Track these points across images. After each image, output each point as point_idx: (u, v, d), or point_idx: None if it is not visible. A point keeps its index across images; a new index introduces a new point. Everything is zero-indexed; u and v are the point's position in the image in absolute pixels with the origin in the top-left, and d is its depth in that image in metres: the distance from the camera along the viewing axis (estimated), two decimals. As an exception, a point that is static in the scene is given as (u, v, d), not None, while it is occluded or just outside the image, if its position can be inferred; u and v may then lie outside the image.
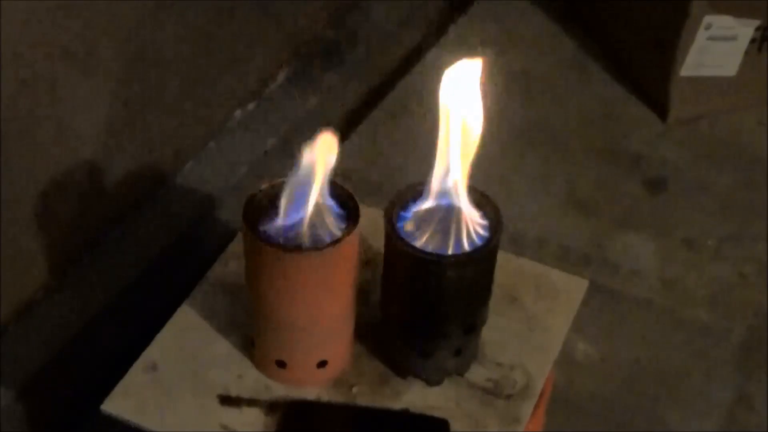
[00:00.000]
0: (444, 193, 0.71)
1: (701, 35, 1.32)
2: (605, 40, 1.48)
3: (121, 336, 0.96)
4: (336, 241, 0.69)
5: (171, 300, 0.81)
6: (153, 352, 0.77)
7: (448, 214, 0.71)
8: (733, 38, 1.33)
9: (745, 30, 1.33)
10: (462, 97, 0.69)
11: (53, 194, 0.91)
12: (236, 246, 0.82)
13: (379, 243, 0.74)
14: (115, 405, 0.74)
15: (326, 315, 0.73)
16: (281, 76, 1.21)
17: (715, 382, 1.08)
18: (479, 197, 0.72)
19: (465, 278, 0.71)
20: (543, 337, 0.80)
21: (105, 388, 0.75)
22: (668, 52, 1.34)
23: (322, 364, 0.75)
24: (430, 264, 0.70)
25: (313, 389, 0.75)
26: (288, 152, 1.12)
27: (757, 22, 1.33)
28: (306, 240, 0.69)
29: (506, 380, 0.77)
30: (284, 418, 0.73)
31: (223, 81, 1.11)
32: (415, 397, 0.75)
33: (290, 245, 0.69)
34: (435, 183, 0.71)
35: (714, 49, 1.33)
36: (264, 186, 0.71)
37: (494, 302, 0.77)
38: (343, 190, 0.71)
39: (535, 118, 1.38)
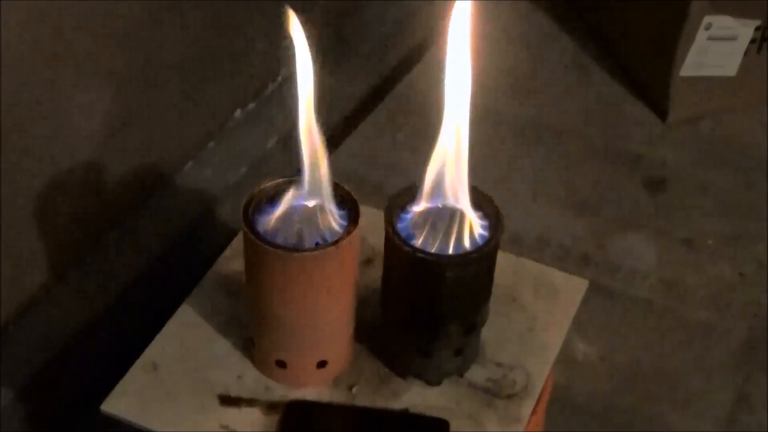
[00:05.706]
0: (444, 193, 0.71)
1: (701, 35, 1.32)
2: (605, 40, 1.48)
3: (121, 336, 0.96)
4: (336, 241, 0.69)
5: (171, 300, 0.81)
6: (153, 352, 0.77)
7: (448, 214, 0.71)
8: (733, 38, 1.33)
9: (745, 30, 1.33)
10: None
11: (53, 194, 0.91)
12: (236, 246, 0.82)
13: (379, 243, 0.74)
14: (115, 405, 0.74)
15: (326, 315, 0.73)
16: (281, 77, 1.21)
17: (715, 382, 1.08)
18: (479, 197, 0.72)
19: (465, 278, 0.71)
20: (543, 337, 0.80)
21: (105, 388, 0.75)
22: (668, 52, 1.34)
23: (322, 364, 0.75)
24: (430, 264, 0.70)
25: (313, 389, 0.75)
26: (288, 152, 1.12)
27: (757, 22, 1.33)
28: (306, 240, 0.69)
29: (506, 380, 0.77)
30: (284, 418, 0.73)
31: (223, 81, 1.11)
32: (415, 397, 0.75)
33: (290, 245, 0.69)
34: (435, 182, 0.71)
35: (714, 49, 1.33)
36: (264, 185, 0.71)
37: (494, 302, 0.76)
38: (343, 190, 0.71)
39: (535, 118, 1.37)
